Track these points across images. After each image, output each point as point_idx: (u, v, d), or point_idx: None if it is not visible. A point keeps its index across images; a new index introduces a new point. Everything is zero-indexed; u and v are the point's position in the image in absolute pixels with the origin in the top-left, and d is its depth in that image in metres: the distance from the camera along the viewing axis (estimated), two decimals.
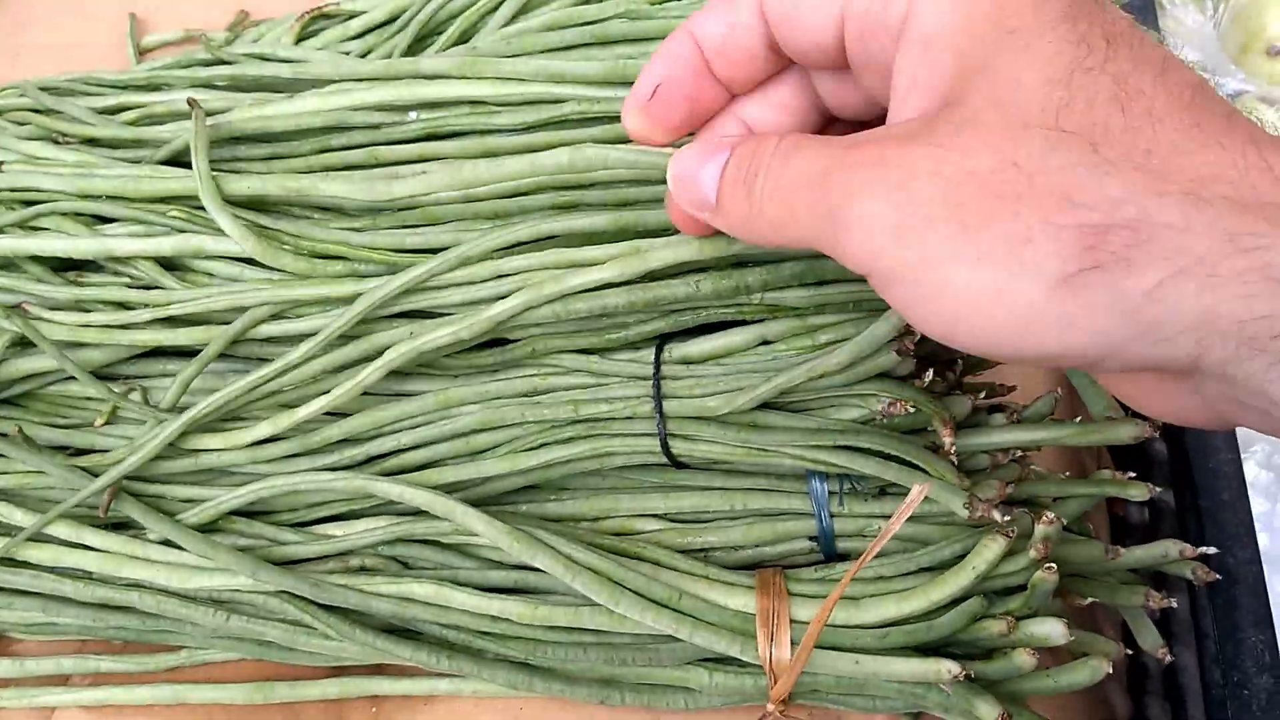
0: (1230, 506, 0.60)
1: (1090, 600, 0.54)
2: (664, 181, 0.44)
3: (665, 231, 0.55)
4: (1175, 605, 0.55)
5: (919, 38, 0.36)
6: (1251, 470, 0.89)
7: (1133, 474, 0.56)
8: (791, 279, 0.52)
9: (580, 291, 0.53)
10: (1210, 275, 0.30)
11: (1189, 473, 0.61)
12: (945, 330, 0.35)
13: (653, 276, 0.53)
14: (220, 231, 0.60)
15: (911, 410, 0.50)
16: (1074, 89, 0.32)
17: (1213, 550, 0.55)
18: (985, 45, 0.34)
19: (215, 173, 0.61)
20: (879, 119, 0.41)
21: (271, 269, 0.60)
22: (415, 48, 0.74)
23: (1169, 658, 0.57)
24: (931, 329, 0.35)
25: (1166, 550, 0.55)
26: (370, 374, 0.56)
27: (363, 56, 0.74)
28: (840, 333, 0.52)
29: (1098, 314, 0.31)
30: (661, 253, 0.52)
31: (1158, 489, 0.55)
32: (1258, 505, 0.88)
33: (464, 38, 0.72)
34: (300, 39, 0.77)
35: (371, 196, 0.59)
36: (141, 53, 0.88)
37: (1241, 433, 0.91)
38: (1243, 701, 0.55)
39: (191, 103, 0.57)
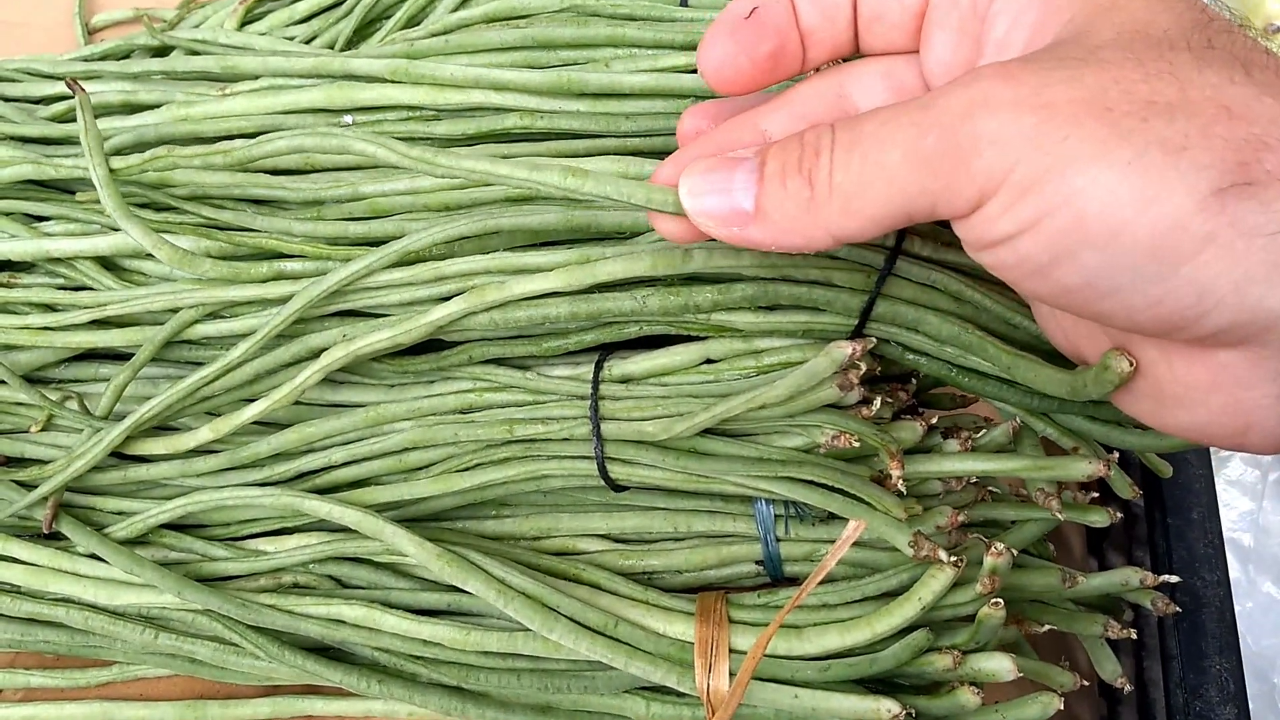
0: (1199, 526, 0.57)
1: (1047, 627, 0.52)
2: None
3: (619, 233, 0.53)
4: (1135, 635, 0.53)
5: None
6: (1237, 468, 0.87)
7: (1096, 494, 0.54)
8: (743, 301, 0.50)
9: (523, 299, 0.51)
10: None
11: (1160, 491, 0.59)
12: (1060, 251, 0.32)
13: (600, 287, 0.51)
14: None
15: (856, 444, 0.48)
16: (1210, 32, 0.31)
17: (1175, 579, 0.53)
18: None
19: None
20: None
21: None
22: (362, 32, 0.71)
23: (1129, 686, 0.55)
24: (1041, 256, 0.32)
25: (1127, 578, 0.53)
26: (308, 378, 0.54)
27: (308, 42, 0.71)
28: (785, 356, 0.50)
29: (1241, 236, 0.29)
30: (612, 265, 0.49)
31: (1119, 514, 0.52)
32: (1243, 504, 0.86)
33: (412, 22, 0.69)
34: (246, 21, 0.74)
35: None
36: (91, 32, 0.85)
37: None
38: None
39: (71, 84, 0.53)
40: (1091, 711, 0.62)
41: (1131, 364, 0.38)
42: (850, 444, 0.48)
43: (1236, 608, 0.83)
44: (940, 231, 0.50)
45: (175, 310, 0.58)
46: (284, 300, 0.55)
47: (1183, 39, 0.31)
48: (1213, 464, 0.59)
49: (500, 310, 0.51)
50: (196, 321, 0.58)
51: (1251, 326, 0.31)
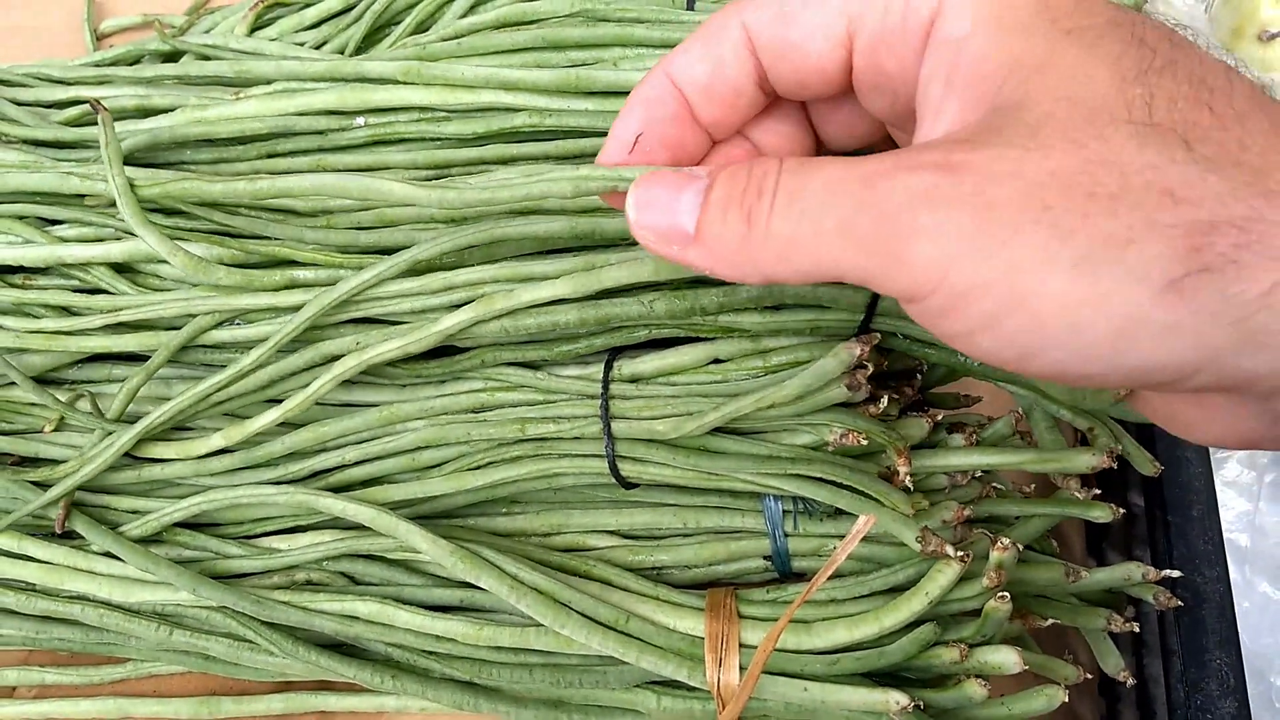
0: (1199, 523, 0.58)
1: (1051, 621, 0.53)
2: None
3: (623, 239, 0.53)
4: (1138, 629, 0.54)
5: (953, 40, 0.33)
6: (1234, 470, 0.87)
7: (1098, 491, 0.55)
8: (749, 302, 0.50)
9: (531, 307, 0.52)
10: None
11: (1160, 489, 0.59)
12: (1025, 349, 0.31)
13: (606, 293, 0.52)
14: None
15: (863, 442, 0.49)
16: (1152, 87, 0.30)
17: (1177, 574, 0.54)
18: (1041, 43, 0.31)
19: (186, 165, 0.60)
20: (884, 146, 0.38)
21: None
22: (372, 38, 0.71)
23: (1131, 680, 0.56)
24: (1006, 353, 0.32)
25: (1129, 573, 0.53)
26: (320, 386, 0.55)
27: (318, 47, 0.72)
28: (793, 355, 0.51)
29: (1205, 320, 0.28)
30: (615, 271, 0.50)
31: (1121, 510, 0.53)
32: (1239, 505, 0.86)
33: (421, 28, 0.70)
34: (256, 28, 0.75)
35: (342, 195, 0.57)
36: (100, 38, 0.86)
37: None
38: None
39: (94, 105, 0.54)
40: (1092, 707, 0.63)
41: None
42: (858, 442, 0.49)
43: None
44: None
45: (190, 316, 0.58)
46: (297, 307, 0.56)
47: (1122, 106, 0.30)
48: (1211, 463, 0.60)
49: (510, 318, 0.52)
50: (211, 327, 0.58)
51: (1232, 385, 0.30)
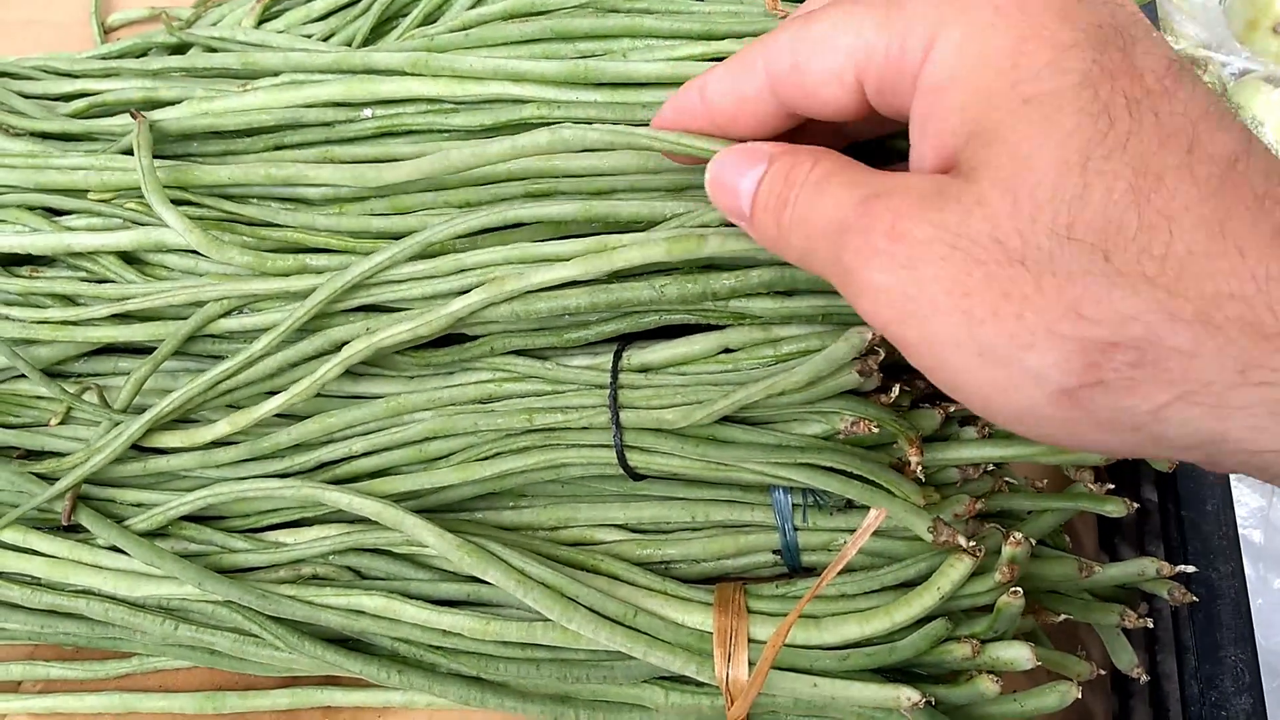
0: (1214, 518, 0.57)
1: (1064, 617, 0.53)
2: (641, 172, 0.46)
3: (636, 224, 0.53)
4: (1151, 625, 0.53)
5: (931, 90, 0.35)
6: None
7: (1112, 485, 0.54)
8: (760, 286, 0.50)
9: (541, 290, 0.51)
10: (1217, 405, 0.29)
11: (1174, 483, 0.59)
12: (953, 394, 0.34)
13: (617, 275, 0.51)
14: None
15: (875, 430, 0.48)
16: (1089, 177, 0.30)
17: (1192, 569, 0.53)
18: (998, 113, 0.32)
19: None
20: None
21: (220, 264, 0.58)
22: (379, 30, 0.71)
23: (1145, 676, 0.55)
24: (941, 388, 0.35)
25: (1144, 568, 0.53)
26: (329, 371, 0.54)
27: (325, 39, 0.72)
28: (804, 344, 0.50)
29: (1102, 425, 0.31)
30: (628, 252, 0.49)
31: (1135, 505, 0.53)
32: (1253, 500, 0.86)
33: (429, 19, 0.69)
34: (263, 20, 0.75)
35: (361, 183, 0.57)
36: (108, 31, 0.86)
37: None
38: None
39: (134, 114, 0.55)
40: (1104, 704, 0.62)
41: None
42: (869, 430, 0.48)
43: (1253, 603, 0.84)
44: None
45: (198, 304, 0.58)
46: (307, 293, 0.56)
47: (1049, 206, 0.30)
48: None
49: (521, 301, 0.52)
50: (220, 316, 0.58)
51: (1171, 454, 0.32)
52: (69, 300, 0.62)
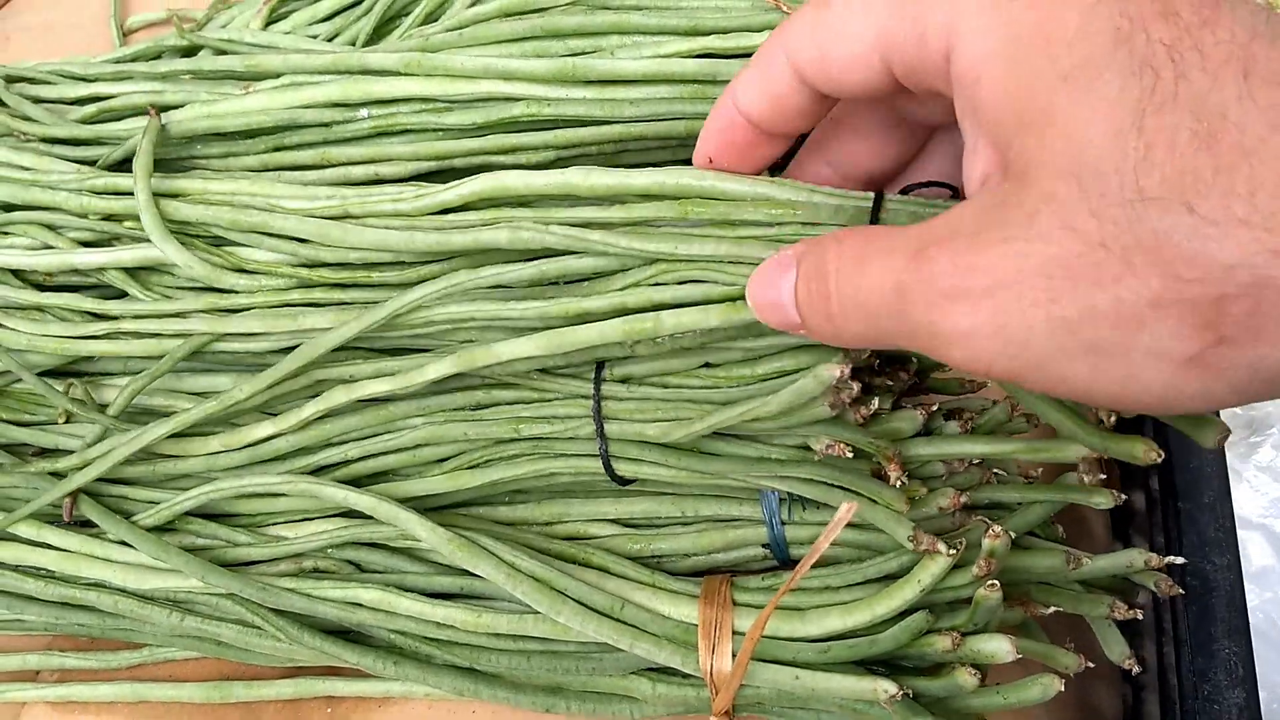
0: (1211, 509, 0.57)
1: (1053, 609, 0.52)
2: None
3: (596, 275, 0.52)
4: (1140, 615, 0.53)
5: (967, 80, 0.33)
6: (1267, 454, 0.86)
7: (1103, 476, 0.54)
8: (726, 338, 0.51)
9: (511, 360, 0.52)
10: None
11: (1170, 474, 0.58)
12: (1089, 403, 0.35)
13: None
14: None
15: (850, 455, 0.48)
16: (1149, 134, 0.28)
17: (1180, 560, 0.53)
18: (1040, 97, 0.31)
19: (184, 176, 0.61)
20: None
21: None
22: (382, 30, 0.72)
23: (1137, 668, 0.55)
24: (1074, 399, 0.34)
25: (1131, 560, 0.53)
26: (311, 414, 0.56)
27: (330, 39, 0.73)
28: (780, 365, 0.50)
29: (1239, 382, 0.29)
30: (587, 332, 0.49)
31: (1123, 496, 0.52)
32: (1274, 490, 0.85)
33: (430, 18, 0.70)
34: (271, 21, 0.76)
35: (326, 241, 0.57)
36: (127, 33, 0.87)
37: (1260, 413, 0.88)
38: (1213, 716, 0.53)
39: (151, 111, 0.56)
40: (1112, 695, 0.62)
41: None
42: (844, 453, 0.48)
43: (1266, 593, 0.82)
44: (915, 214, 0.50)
45: (187, 335, 0.59)
46: (290, 333, 0.57)
47: (1120, 174, 0.28)
48: (1226, 448, 0.58)
49: (500, 364, 0.52)
50: (213, 342, 0.59)
51: None
52: (76, 313, 0.63)
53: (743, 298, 0.45)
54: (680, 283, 0.48)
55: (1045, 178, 0.30)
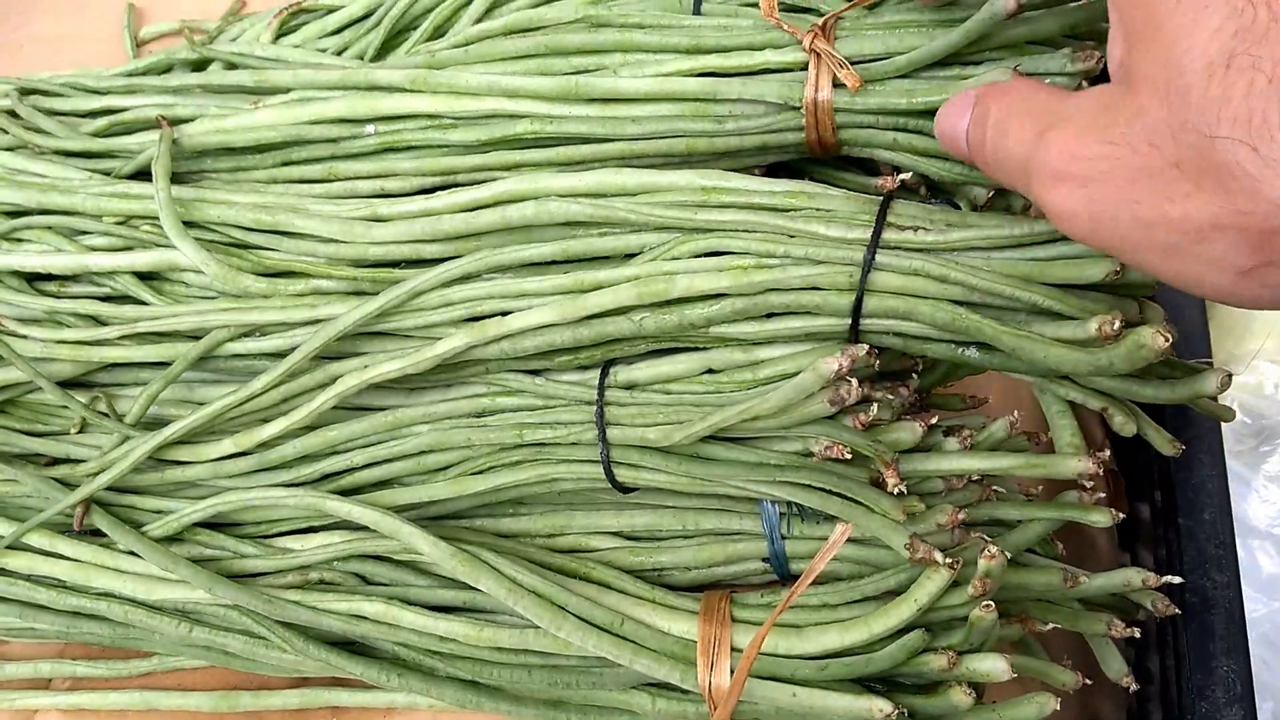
0: (1210, 526, 0.57)
1: (1051, 626, 0.53)
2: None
3: (616, 254, 0.54)
4: (1138, 634, 0.53)
5: None
6: (1277, 464, 0.85)
7: (1102, 494, 0.54)
8: (734, 314, 0.51)
9: (523, 332, 0.53)
10: None
11: (1171, 490, 0.58)
12: (1169, 283, 0.37)
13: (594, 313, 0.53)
14: None
15: (848, 456, 0.49)
16: (1232, 75, 0.31)
17: (1177, 580, 0.53)
18: (1159, 7, 0.34)
19: (195, 185, 0.62)
20: None
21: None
22: (390, 44, 0.72)
23: (1135, 685, 0.55)
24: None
25: (1129, 578, 0.53)
26: (324, 402, 0.57)
27: (339, 53, 0.73)
28: (783, 368, 0.51)
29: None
30: (600, 296, 0.52)
31: (1121, 515, 0.52)
32: None
33: (438, 32, 0.71)
34: (281, 34, 0.77)
35: (350, 239, 0.58)
36: (140, 44, 0.88)
37: (1270, 423, 0.87)
38: None
39: (161, 121, 0.57)
40: (1117, 706, 0.62)
41: (1168, 339, 0.44)
42: (842, 454, 0.49)
43: (1275, 602, 0.82)
44: (917, 216, 0.50)
45: (205, 330, 0.60)
46: (306, 323, 0.58)
47: (1198, 107, 0.32)
48: (1226, 463, 0.58)
49: (509, 340, 0.53)
50: (228, 340, 0.60)
51: None
52: (90, 319, 0.64)
53: (757, 266, 0.50)
54: (695, 255, 0.51)
55: (1144, 91, 0.34)
